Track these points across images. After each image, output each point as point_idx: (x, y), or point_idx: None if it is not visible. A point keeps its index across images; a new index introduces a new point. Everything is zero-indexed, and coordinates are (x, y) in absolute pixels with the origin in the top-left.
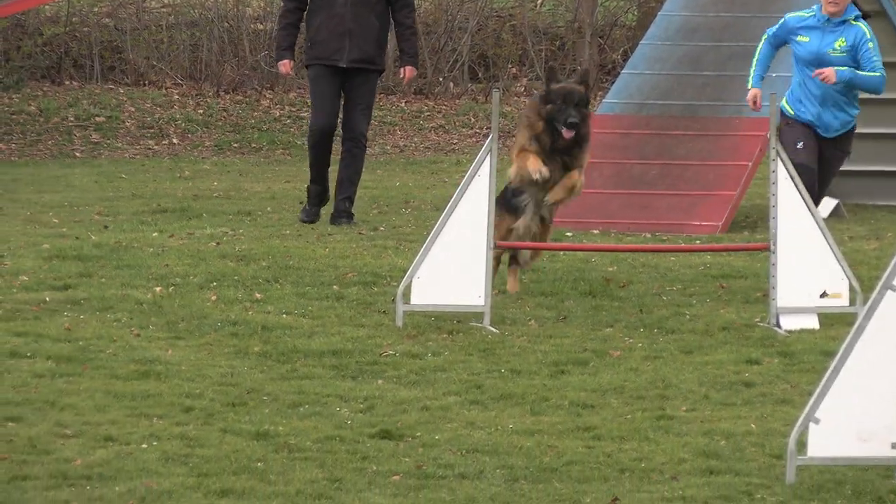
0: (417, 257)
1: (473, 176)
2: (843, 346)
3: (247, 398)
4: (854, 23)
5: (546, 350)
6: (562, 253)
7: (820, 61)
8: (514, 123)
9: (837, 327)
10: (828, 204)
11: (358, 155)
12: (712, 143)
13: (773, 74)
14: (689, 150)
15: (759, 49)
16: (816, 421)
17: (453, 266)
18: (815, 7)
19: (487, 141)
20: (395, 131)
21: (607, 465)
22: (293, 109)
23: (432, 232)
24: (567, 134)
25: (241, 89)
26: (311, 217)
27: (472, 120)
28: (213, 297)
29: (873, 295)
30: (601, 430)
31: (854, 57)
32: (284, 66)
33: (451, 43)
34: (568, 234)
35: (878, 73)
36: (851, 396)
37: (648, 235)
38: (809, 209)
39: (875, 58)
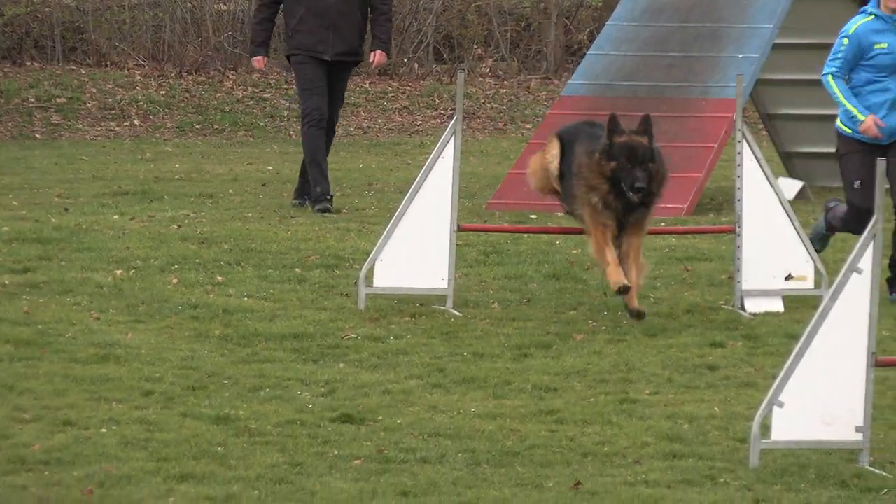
0: (380, 240)
1: (437, 158)
2: (808, 329)
3: (207, 382)
4: None
5: (509, 333)
6: (526, 235)
7: None
8: (572, 176)
9: (802, 310)
10: (793, 186)
11: (328, 144)
12: (678, 125)
13: (740, 55)
14: (655, 132)
15: (835, 89)
16: (780, 404)
17: (416, 249)
18: (867, 9)
19: (452, 122)
20: (358, 112)
21: (570, 449)
22: (256, 90)
23: (395, 214)
24: (634, 198)
25: (204, 70)
26: (328, 206)
27: (437, 101)
28: (174, 281)
29: (838, 278)
30: (564, 413)
31: None
32: (259, 62)
33: (416, 24)
34: (532, 216)
35: None
36: (816, 380)
37: None
38: (775, 191)
39: None
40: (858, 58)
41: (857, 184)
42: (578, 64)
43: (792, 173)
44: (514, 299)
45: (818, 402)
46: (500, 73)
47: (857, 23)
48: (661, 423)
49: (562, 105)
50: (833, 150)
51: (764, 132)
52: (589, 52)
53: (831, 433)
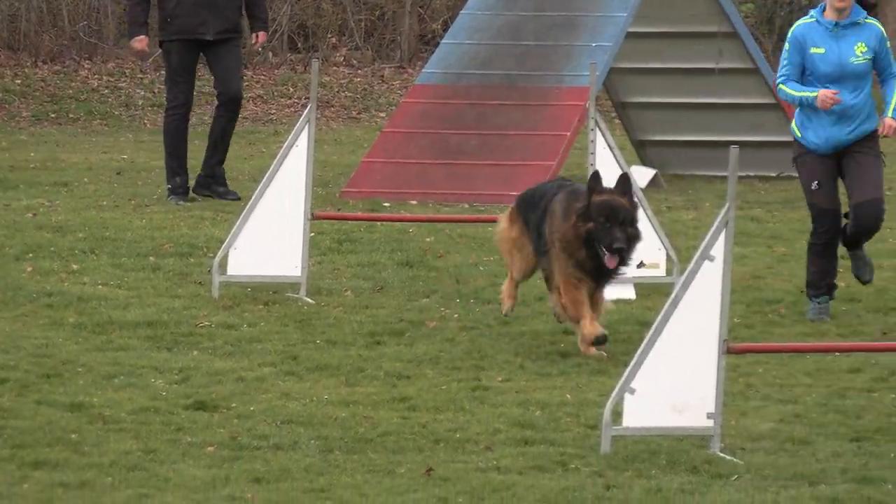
0: (234, 228)
1: (291, 146)
2: (660, 316)
3: (62, 369)
4: (866, 22)
5: (362, 320)
6: (379, 223)
7: (843, 73)
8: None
9: (654, 297)
10: (646, 174)
11: (234, 118)
12: (532, 113)
13: (594, 44)
14: (509, 120)
15: (788, 92)
16: (632, 391)
17: (270, 237)
18: (813, 12)
19: (306, 111)
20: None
21: (422, 436)
22: (111, 80)
23: (249, 203)
24: (611, 262)
25: (60, 59)
26: (184, 198)
27: (291, 90)
28: (29, 269)
29: (690, 265)
30: (416, 400)
31: (873, 60)
32: (141, 42)
33: (271, 13)
34: (385, 204)
35: None
36: (667, 367)
37: (466, 206)
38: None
39: (892, 58)
40: (802, 61)
41: (814, 185)
42: (432, 53)
43: (645, 161)
44: (367, 287)
45: (669, 388)
46: (355, 62)
47: (797, 24)
48: (513, 410)
49: (415, 94)
50: (685, 137)
51: (617, 120)
52: (443, 41)
53: (682, 420)
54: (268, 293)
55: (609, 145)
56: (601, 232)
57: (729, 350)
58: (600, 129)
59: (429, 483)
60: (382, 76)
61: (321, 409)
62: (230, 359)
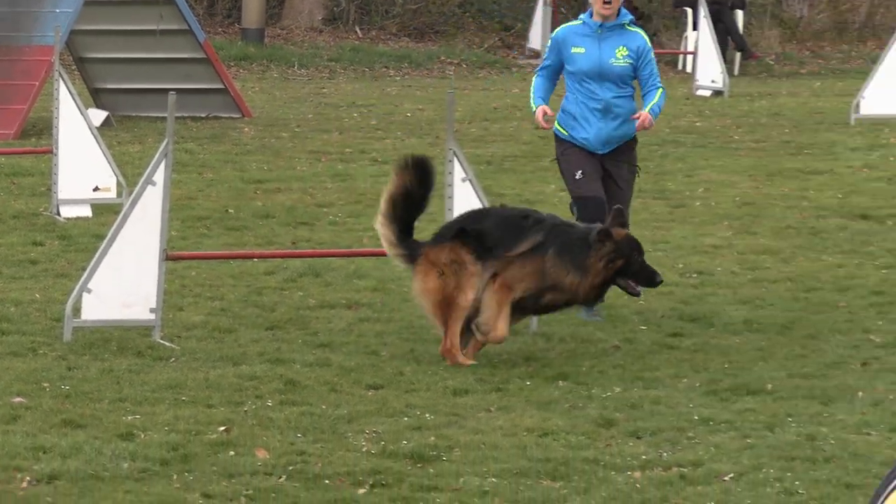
0: None
1: None
2: (111, 230)
3: None
4: (630, 28)
5: None
6: None
7: (601, 72)
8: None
9: (107, 215)
10: (100, 115)
11: None
12: (7, 67)
13: (57, 10)
14: None
15: (532, 84)
16: (89, 291)
17: None
18: (583, 16)
19: None
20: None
21: None
22: None
23: None
24: (637, 292)
25: None
26: None
27: None
28: None
29: (136, 189)
30: None
31: (634, 66)
32: None
33: None
34: None
35: (662, 88)
36: (118, 271)
37: None
38: (86, 120)
39: (656, 70)
40: (560, 61)
41: (578, 174)
42: None
43: (99, 105)
44: None
45: (120, 288)
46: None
47: (563, 26)
48: None
49: None
50: (132, 86)
51: (77, 72)
52: None
53: (130, 314)
54: None
55: (70, 92)
56: (636, 266)
57: (168, 257)
58: (63, 79)
59: None
60: None
61: None
62: None
